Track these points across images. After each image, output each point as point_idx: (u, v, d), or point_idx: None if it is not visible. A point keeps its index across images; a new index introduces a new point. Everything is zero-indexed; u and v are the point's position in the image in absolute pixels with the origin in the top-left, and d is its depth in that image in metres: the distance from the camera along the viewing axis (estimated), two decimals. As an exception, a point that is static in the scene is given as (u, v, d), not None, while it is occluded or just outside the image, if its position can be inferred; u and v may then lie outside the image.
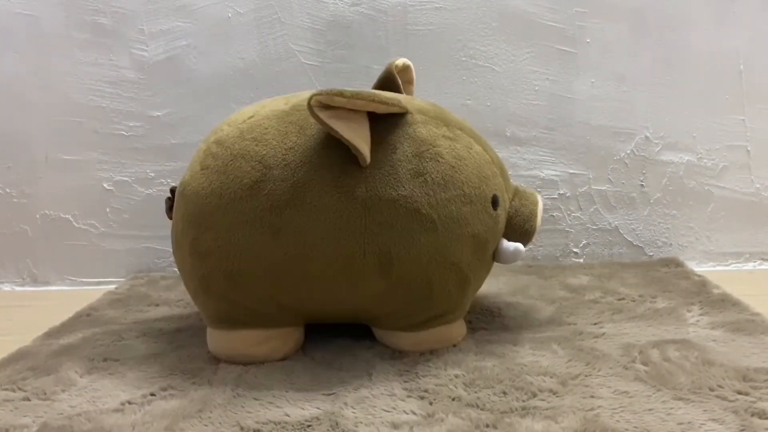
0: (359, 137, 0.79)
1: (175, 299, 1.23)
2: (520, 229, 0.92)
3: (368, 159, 0.80)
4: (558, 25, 1.37)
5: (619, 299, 1.12)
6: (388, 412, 0.75)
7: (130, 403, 0.79)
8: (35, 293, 1.44)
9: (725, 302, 1.06)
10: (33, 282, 1.47)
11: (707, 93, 1.38)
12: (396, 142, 0.84)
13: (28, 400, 0.81)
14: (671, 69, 1.37)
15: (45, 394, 0.83)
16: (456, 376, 0.83)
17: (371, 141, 0.81)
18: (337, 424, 0.72)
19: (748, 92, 1.37)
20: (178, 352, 0.96)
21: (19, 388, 0.84)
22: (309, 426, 0.72)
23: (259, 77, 1.40)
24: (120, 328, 1.07)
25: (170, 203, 0.93)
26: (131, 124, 1.42)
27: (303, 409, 0.76)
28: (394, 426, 0.71)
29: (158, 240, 1.46)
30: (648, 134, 1.39)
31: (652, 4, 1.36)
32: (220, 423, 0.73)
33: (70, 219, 1.45)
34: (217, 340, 0.91)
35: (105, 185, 1.44)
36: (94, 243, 1.46)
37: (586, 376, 0.82)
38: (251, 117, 0.87)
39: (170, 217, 0.93)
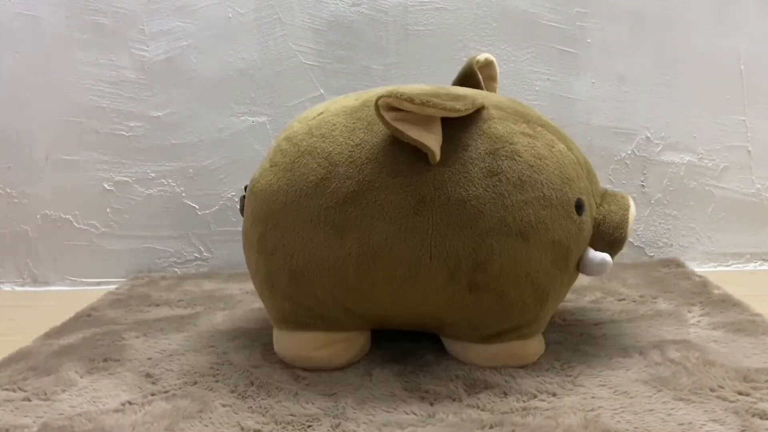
0: (428, 135, 0.75)
1: (176, 299, 1.23)
2: (609, 237, 0.84)
3: (438, 157, 0.76)
4: (559, 26, 1.37)
5: (620, 300, 1.12)
6: (389, 412, 0.75)
7: (130, 403, 0.79)
8: (35, 293, 1.44)
9: (726, 303, 1.06)
10: (33, 282, 1.47)
11: (708, 93, 1.38)
12: (469, 139, 0.79)
13: (29, 400, 0.81)
14: (672, 69, 1.37)
15: (45, 394, 0.83)
16: (456, 377, 0.83)
17: (442, 137, 0.77)
18: (338, 424, 0.72)
19: (748, 92, 1.36)
20: (178, 352, 0.96)
21: (20, 389, 0.84)
22: (310, 426, 0.72)
23: (260, 77, 1.40)
24: (120, 329, 1.07)
25: (243, 201, 0.92)
26: (132, 125, 1.42)
27: (304, 408, 0.76)
28: (395, 426, 0.71)
29: (158, 240, 1.46)
30: (649, 134, 1.39)
31: (652, 4, 1.36)
32: (220, 423, 0.73)
33: (71, 219, 1.45)
34: (281, 340, 0.89)
35: (105, 185, 1.44)
36: (94, 243, 1.46)
37: (586, 376, 0.82)
38: (321, 113, 0.85)
39: (243, 216, 0.93)
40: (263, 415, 0.75)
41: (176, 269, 1.47)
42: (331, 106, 0.86)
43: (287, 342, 0.88)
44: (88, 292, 1.35)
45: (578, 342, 0.93)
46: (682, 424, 0.69)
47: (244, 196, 0.92)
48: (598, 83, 1.38)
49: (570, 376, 0.82)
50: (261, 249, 0.84)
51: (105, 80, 1.40)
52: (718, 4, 1.35)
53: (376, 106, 0.73)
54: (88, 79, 1.40)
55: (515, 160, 0.78)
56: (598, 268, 0.83)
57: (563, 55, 1.38)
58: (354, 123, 0.82)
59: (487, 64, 0.99)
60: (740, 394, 0.75)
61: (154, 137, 1.42)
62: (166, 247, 1.46)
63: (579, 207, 0.81)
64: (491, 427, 0.70)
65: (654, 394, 0.76)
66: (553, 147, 0.82)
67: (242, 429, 0.72)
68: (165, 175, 1.44)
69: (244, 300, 1.21)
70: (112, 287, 1.37)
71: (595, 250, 0.84)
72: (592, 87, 1.38)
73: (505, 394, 0.78)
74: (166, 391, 0.82)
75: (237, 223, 1.45)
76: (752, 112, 1.38)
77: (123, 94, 1.41)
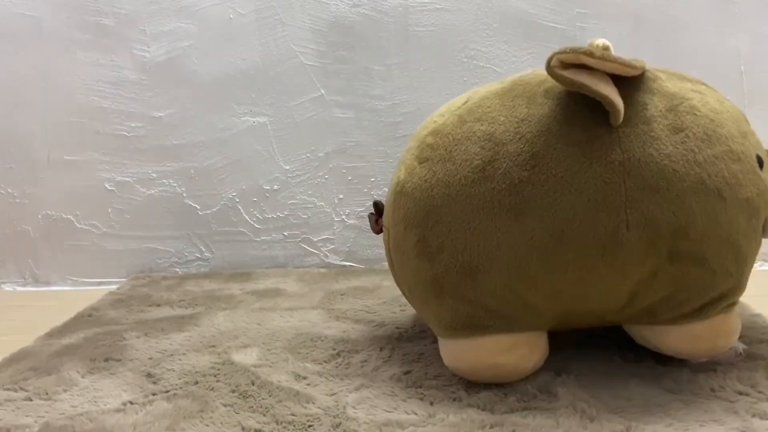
0: (611, 90, 0.70)
1: (177, 299, 1.23)
2: None
3: (622, 115, 0.70)
4: (559, 27, 1.37)
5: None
6: (390, 412, 0.75)
7: (131, 403, 0.79)
8: (37, 293, 1.44)
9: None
10: (35, 282, 1.47)
11: (708, 94, 1.38)
12: (644, 98, 0.74)
13: (30, 400, 0.82)
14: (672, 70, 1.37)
15: (47, 394, 0.83)
16: (456, 376, 0.83)
17: None
18: (338, 424, 0.72)
19: (749, 93, 1.36)
20: (179, 352, 0.96)
21: (21, 388, 0.85)
22: (311, 426, 0.72)
23: (261, 78, 1.40)
24: (121, 328, 1.07)
25: (376, 216, 0.89)
26: (133, 125, 1.42)
27: (305, 408, 0.76)
28: (395, 426, 0.71)
29: (159, 240, 1.46)
30: (649, 135, 1.39)
31: (652, 5, 1.36)
32: (221, 423, 0.73)
33: (72, 219, 1.45)
34: (455, 350, 0.80)
35: (107, 186, 1.44)
36: (95, 243, 1.46)
37: (585, 376, 0.82)
38: (465, 102, 0.80)
39: (378, 231, 0.89)
40: (264, 415, 0.75)
41: (177, 269, 1.47)
42: (473, 95, 0.81)
43: (464, 351, 0.79)
44: (90, 292, 1.35)
45: (576, 341, 0.93)
46: (682, 423, 0.69)
47: (373, 213, 0.89)
48: (598, 84, 1.38)
49: (569, 375, 0.82)
50: (422, 252, 0.77)
51: (106, 81, 1.40)
52: (719, 6, 1.35)
53: (549, 65, 0.68)
54: (90, 80, 1.40)
55: (696, 115, 0.74)
56: None
57: (563, 56, 1.38)
58: (512, 101, 0.77)
59: (606, 49, 0.93)
60: (740, 393, 0.75)
61: (156, 138, 1.42)
62: (167, 247, 1.46)
63: (760, 162, 0.77)
64: (491, 426, 0.70)
65: (653, 393, 0.76)
66: (723, 102, 0.78)
67: (243, 428, 0.72)
68: (166, 175, 1.44)
69: (245, 300, 1.21)
70: (114, 287, 1.37)
71: None
72: (593, 87, 1.38)
73: (506, 394, 0.78)
74: (167, 391, 0.82)
75: (238, 224, 1.45)
76: (752, 112, 1.37)
77: (124, 95, 1.41)
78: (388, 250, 0.86)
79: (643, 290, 0.74)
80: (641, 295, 0.75)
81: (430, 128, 0.81)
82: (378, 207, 0.91)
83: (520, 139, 0.73)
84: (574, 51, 0.68)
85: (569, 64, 0.69)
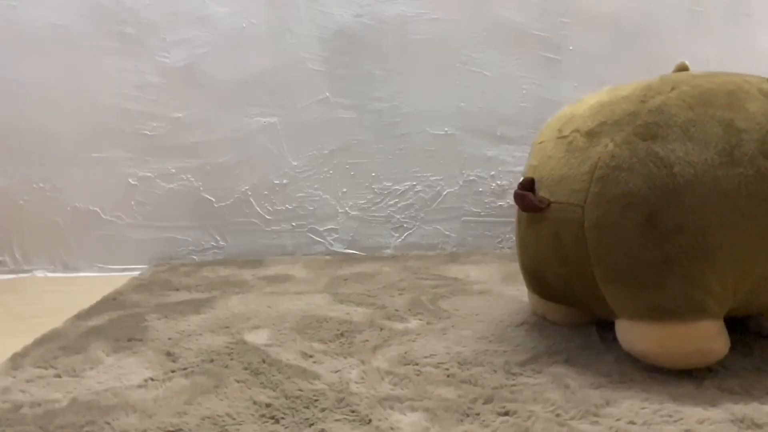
0: None
1: (194, 284, 1.22)
2: None
3: None
4: (544, 34, 1.36)
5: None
6: (390, 388, 0.74)
7: (152, 379, 0.78)
8: (66, 279, 1.43)
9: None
10: (64, 269, 1.46)
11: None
12: None
13: (59, 377, 0.81)
14: (647, 74, 1.36)
15: (75, 371, 0.82)
16: (447, 354, 0.82)
17: None
18: (342, 398, 0.71)
19: (717, 96, 1.35)
20: (196, 332, 0.95)
21: (51, 366, 0.84)
22: (317, 400, 0.71)
23: (271, 82, 1.39)
24: (144, 311, 1.06)
25: (530, 191, 0.82)
26: (154, 125, 1.41)
27: (311, 384, 0.75)
28: (394, 400, 0.70)
29: (179, 230, 1.45)
30: (626, 134, 1.38)
31: (629, 15, 1.35)
32: (234, 398, 0.72)
33: (98, 211, 1.44)
34: (663, 336, 0.71)
35: (130, 180, 1.43)
36: (120, 233, 1.45)
37: (569, 354, 0.81)
38: (673, 89, 0.74)
39: (538, 208, 0.81)
40: (274, 390, 0.74)
41: (194, 257, 1.47)
42: (678, 83, 0.75)
43: (675, 337, 0.71)
44: (114, 278, 1.34)
45: (569, 332, 0.92)
46: (658, 397, 0.68)
47: (522, 191, 0.83)
48: (580, 87, 1.37)
49: (553, 353, 0.81)
50: (651, 231, 0.69)
51: (130, 84, 1.39)
52: (690, 16, 1.34)
53: None
54: (114, 84, 1.39)
55: None
56: None
57: (548, 62, 1.37)
58: (730, 96, 0.72)
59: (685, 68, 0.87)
60: (710, 371, 0.74)
61: (175, 136, 1.41)
62: (186, 236, 1.45)
63: None
64: (485, 402, 0.69)
65: (630, 371, 0.75)
66: None
67: (255, 403, 0.71)
68: (184, 171, 1.43)
69: (257, 285, 1.20)
70: (136, 273, 1.36)
71: None
72: (575, 90, 1.37)
73: (495, 371, 0.77)
74: (185, 369, 0.82)
75: (250, 215, 1.44)
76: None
77: (146, 97, 1.40)
78: (575, 227, 0.76)
79: None
80: None
81: (649, 105, 0.74)
82: (527, 184, 0.83)
83: (759, 129, 0.69)
84: None
85: None
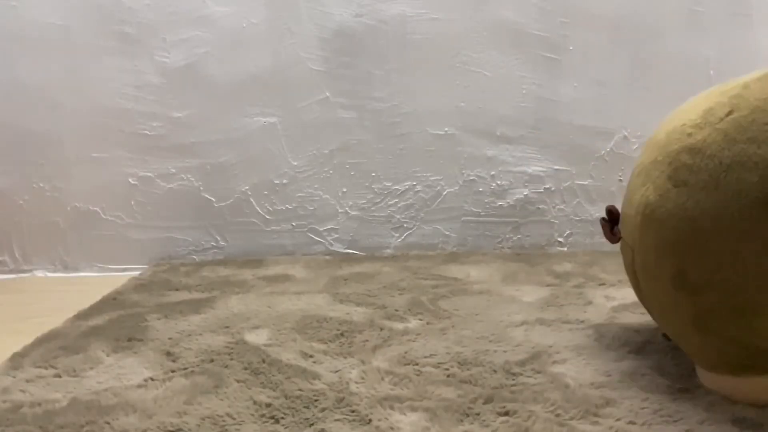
0: None
1: (194, 284, 1.22)
2: None
3: None
4: (543, 34, 1.36)
5: (600, 285, 1.11)
6: (389, 387, 0.74)
7: (152, 379, 0.79)
8: (66, 279, 1.43)
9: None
10: (64, 268, 1.46)
11: (680, 96, 1.35)
12: None
13: (59, 376, 0.81)
14: (647, 74, 1.36)
15: (74, 371, 0.82)
16: (447, 354, 0.82)
17: None
18: (342, 398, 0.71)
19: (717, 96, 1.35)
20: (196, 332, 0.95)
21: (51, 366, 0.84)
22: (317, 400, 0.71)
23: (271, 82, 1.39)
24: (143, 311, 1.06)
25: (611, 225, 0.79)
26: (154, 125, 1.41)
27: (311, 384, 0.75)
28: (394, 400, 0.70)
29: (179, 230, 1.45)
30: (626, 133, 1.38)
31: (629, 15, 1.34)
32: (235, 398, 0.72)
33: (98, 211, 1.44)
34: (719, 383, 0.69)
35: (130, 180, 1.43)
36: (120, 233, 1.45)
37: (569, 354, 0.81)
38: (729, 113, 0.64)
39: (614, 240, 0.79)
40: (274, 390, 0.74)
41: (194, 257, 1.47)
42: (739, 102, 0.65)
43: (730, 386, 0.68)
44: (114, 278, 1.34)
45: (564, 324, 0.92)
46: (657, 396, 0.68)
47: (606, 219, 0.80)
48: (579, 87, 1.37)
49: (553, 353, 0.81)
50: (681, 286, 0.65)
51: (130, 84, 1.39)
52: (689, 16, 1.34)
53: None
54: (115, 84, 1.39)
55: None
56: None
57: (548, 62, 1.37)
58: None
59: None
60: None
61: (175, 136, 1.41)
62: (186, 236, 1.45)
63: None
64: (485, 402, 0.69)
65: (631, 371, 0.75)
66: None
67: (255, 402, 0.71)
68: (184, 170, 1.43)
69: (257, 285, 1.20)
70: (136, 273, 1.36)
71: None
72: (574, 90, 1.37)
73: (495, 371, 0.77)
74: (185, 368, 0.82)
75: (250, 215, 1.44)
76: (720, 114, 1.37)
77: (146, 97, 1.40)
78: (631, 266, 0.74)
79: None
80: None
81: (685, 143, 0.66)
82: (612, 214, 0.80)
83: None
84: None
85: None
